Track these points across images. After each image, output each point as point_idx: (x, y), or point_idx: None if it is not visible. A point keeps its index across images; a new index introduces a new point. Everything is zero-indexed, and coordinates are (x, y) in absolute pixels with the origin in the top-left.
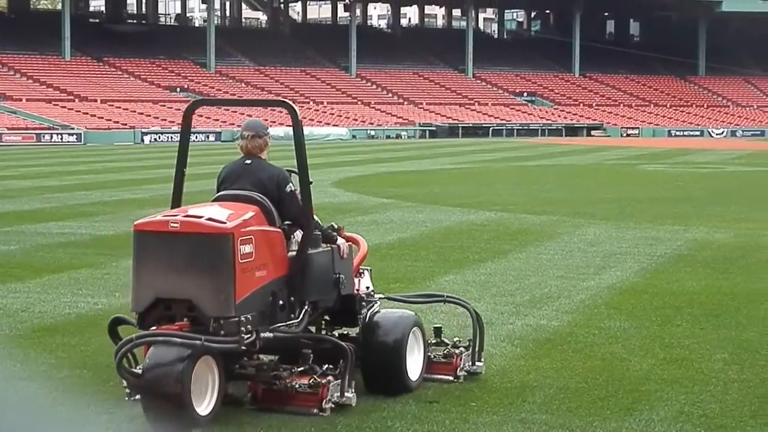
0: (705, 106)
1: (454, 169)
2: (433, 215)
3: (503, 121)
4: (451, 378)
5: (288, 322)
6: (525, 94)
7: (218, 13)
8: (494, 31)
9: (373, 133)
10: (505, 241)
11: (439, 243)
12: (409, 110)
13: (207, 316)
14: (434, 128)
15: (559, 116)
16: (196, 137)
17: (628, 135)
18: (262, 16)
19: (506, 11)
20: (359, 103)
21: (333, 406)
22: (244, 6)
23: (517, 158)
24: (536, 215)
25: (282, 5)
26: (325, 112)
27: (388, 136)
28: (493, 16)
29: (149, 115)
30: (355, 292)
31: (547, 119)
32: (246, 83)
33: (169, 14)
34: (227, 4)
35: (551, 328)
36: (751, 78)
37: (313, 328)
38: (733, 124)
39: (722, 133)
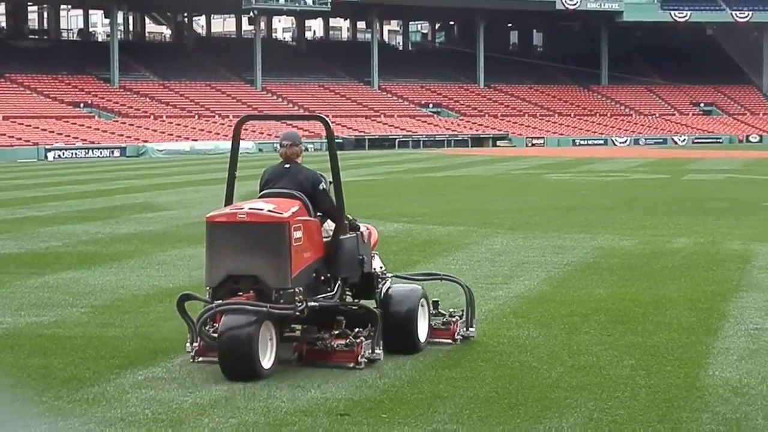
0: (608, 115)
1: (361, 181)
2: None
3: (409, 133)
4: (450, 341)
5: (326, 294)
6: (430, 105)
7: (121, 27)
8: (399, 42)
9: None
10: (414, 252)
11: None
12: (314, 123)
13: (270, 288)
14: (340, 140)
15: (464, 127)
16: (101, 152)
17: (533, 145)
18: (166, 30)
19: (411, 23)
20: None
21: (366, 361)
22: (147, 20)
23: (423, 169)
24: (444, 226)
25: (186, 19)
26: (231, 126)
27: (260, 150)
28: (398, 28)
29: (53, 132)
30: (373, 270)
31: (453, 130)
32: (151, 98)
33: (71, 29)
34: (130, 18)
35: (460, 338)
36: (652, 87)
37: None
38: (635, 132)
39: (625, 141)
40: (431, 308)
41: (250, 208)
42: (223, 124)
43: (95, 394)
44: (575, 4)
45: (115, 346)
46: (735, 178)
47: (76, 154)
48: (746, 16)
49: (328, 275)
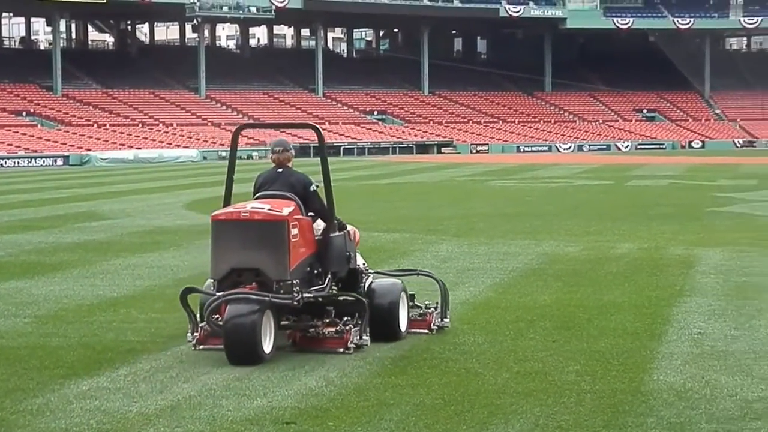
0: (552, 122)
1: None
2: None
3: (354, 140)
4: (426, 331)
5: (318, 287)
6: (375, 112)
7: (64, 35)
8: (343, 50)
9: (223, 154)
10: None
11: None
12: (259, 130)
13: (271, 279)
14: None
15: (409, 134)
16: (44, 161)
17: (477, 151)
18: (109, 38)
19: (355, 30)
20: (209, 124)
21: (354, 347)
22: (90, 28)
23: (369, 176)
24: (389, 233)
25: (129, 27)
26: (175, 134)
27: (239, 157)
28: (342, 36)
29: None
30: (357, 266)
31: (398, 137)
32: (94, 106)
33: (12, 37)
34: (73, 26)
35: (407, 345)
36: (596, 93)
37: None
38: (579, 138)
39: (569, 147)
40: (409, 301)
41: (252, 207)
42: (167, 132)
43: (39, 405)
44: (519, 12)
45: (59, 356)
46: (678, 184)
47: (18, 163)
48: (688, 23)
49: (320, 270)
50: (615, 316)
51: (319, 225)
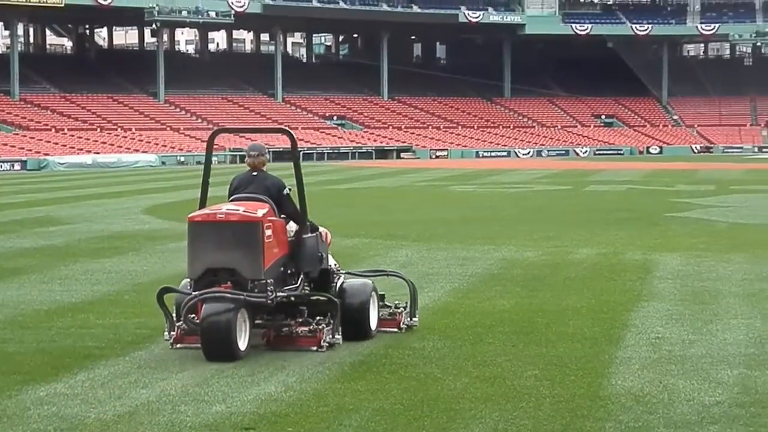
0: (511, 127)
1: None
2: None
3: (314, 145)
4: (395, 330)
5: (291, 287)
6: (335, 117)
7: (21, 39)
8: (303, 55)
9: (182, 159)
10: None
11: None
12: (218, 135)
13: (245, 279)
14: (244, 153)
15: (369, 139)
16: (1, 166)
17: (437, 157)
18: (67, 43)
19: (314, 35)
20: (168, 129)
21: (326, 345)
22: (48, 32)
23: (328, 182)
24: (349, 238)
25: (87, 31)
26: (134, 139)
27: (198, 162)
28: (302, 41)
29: None
30: (329, 266)
31: (357, 142)
32: (52, 110)
33: None
34: (31, 30)
35: (366, 350)
36: (555, 99)
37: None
38: (538, 144)
39: (528, 153)
40: (379, 301)
41: (228, 209)
42: (125, 136)
43: None
44: (478, 17)
45: (17, 361)
46: (636, 189)
47: None
48: (646, 29)
49: (293, 270)
50: (573, 321)
51: (292, 226)
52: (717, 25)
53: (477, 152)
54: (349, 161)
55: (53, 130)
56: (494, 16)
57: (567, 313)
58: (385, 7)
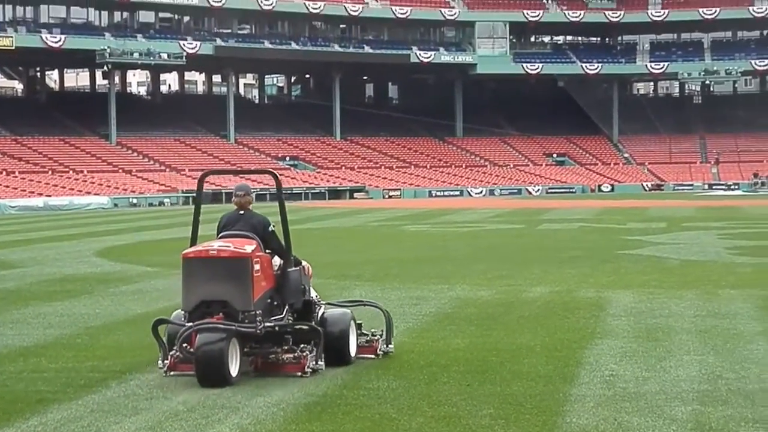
0: (464, 166)
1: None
2: None
3: (266, 186)
4: (372, 357)
5: (277, 317)
6: (287, 158)
7: None
8: (255, 96)
9: (135, 201)
10: None
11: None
12: (171, 177)
13: (236, 310)
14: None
15: (321, 179)
16: None
17: (390, 196)
18: (18, 85)
19: (266, 76)
20: (120, 171)
21: (310, 371)
22: None
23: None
24: None
25: (38, 73)
26: (86, 181)
27: (151, 204)
28: (254, 82)
29: None
30: (311, 297)
31: (310, 183)
32: (3, 153)
33: None
34: None
35: (320, 391)
36: (506, 138)
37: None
38: (491, 183)
39: (481, 192)
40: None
41: (219, 246)
42: (77, 179)
43: None
44: (429, 57)
45: None
46: (588, 227)
47: None
48: (596, 69)
49: (278, 301)
50: (528, 360)
51: (277, 261)
52: (666, 64)
53: (430, 191)
54: (303, 202)
55: (4, 173)
56: (446, 56)
57: (521, 352)
58: (336, 48)
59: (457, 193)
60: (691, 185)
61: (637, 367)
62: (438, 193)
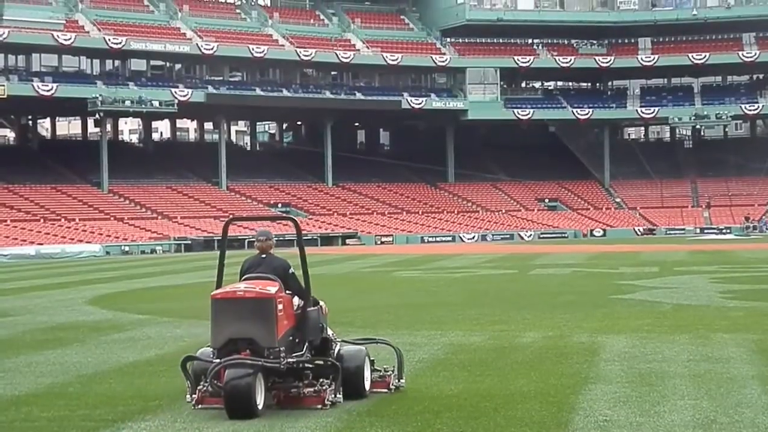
0: (455, 212)
1: (211, 282)
2: (192, 329)
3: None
4: (385, 391)
5: (298, 353)
6: (279, 205)
7: None
8: (247, 143)
9: (127, 248)
10: None
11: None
12: (163, 224)
13: (261, 347)
14: (189, 242)
15: (313, 226)
16: None
17: (382, 242)
18: (10, 134)
19: (258, 123)
20: (112, 218)
21: (330, 404)
22: None
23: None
24: None
25: (30, 122)
26: (77, 229)
27: (143, 251)
28: (245, 129)
29: None
30: (328, 335)
31: (302, 229)
32: None
33: None
34: None
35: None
36: (498, 183)
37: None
38: (483, 228)
39: (473, 237)
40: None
41: (245, 288)
42: (69, 227)
43: None
44: (421, 104)
45: None
46: (581, 272)
47: None
48: (587, 114)
49: (299, 339)
50: (521, 405)
51: (296, 300)
52: (657, 109)
53: (422, 237)
54: (295, 248)
55: None
56: (437, 102)
57: (515, 397)
58: (328, 95)
59: (450, 238)
60: (683, 229)
61: (631, 413)
62: (430, 239)
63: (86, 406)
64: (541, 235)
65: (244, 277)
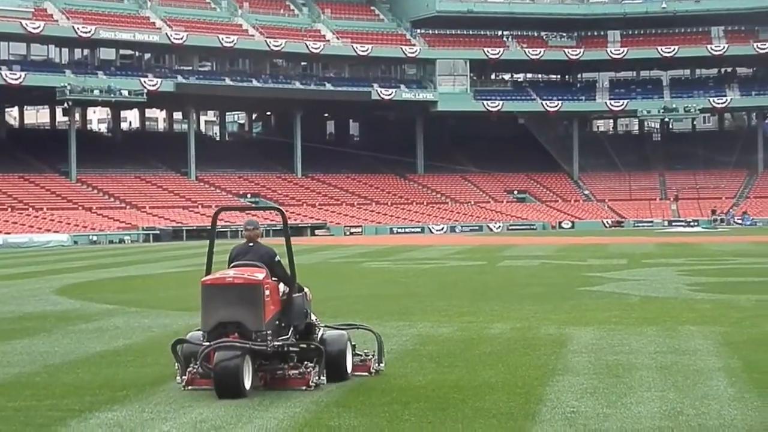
0: (425, 203)
1: (179, 273)
2: (160, 320)
3: (228, 223)
4: (366, 374)
5: (284, 337)
6: (248, 195)
7: None
8: (216, 133)
9: (95, 238)
10: None
11: (166, 348)
12: (131, 214)
13: (249, 331)
14: (158, 232)
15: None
16: None
17: (351, 233)
18: None
19: (227, 113)
20: (80, 208)
21: (314, 385)
22: None
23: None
24: None
25: None
26: (45, 219)
27: (111, 241)
28: (215, 119)
29: None
30: (312, 320)
31: (272, 220)
32: None
33: None
34: None
35: (281, 430)
36: (467, 175)
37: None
38: (452, 220)
39: (442, 229)
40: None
41: (233, 274)
42: (36, 216)
43: None
44: (391, 95)
45: None
46: (549, 264)
47: None
48: (556, 106)
49: (284, 323)
50: (489, 397)
51: (282, 287)
52: (625, 101)
53: (391, 228)
54: (264, 239)
55: None
56: (407, 94)
57: (483, 389)
58: (298, 85)
59: (419, 229)
60: (651, 222)
61: (598, 404)
62: (399, 230)
63: (53, 396)
64: (510, 227)
65: (232, 264)
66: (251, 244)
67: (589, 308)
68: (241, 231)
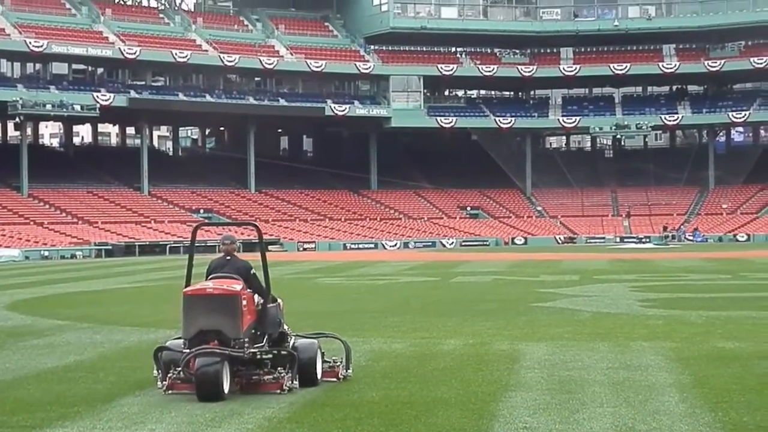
0: (378, 219)
1: (131, 288)
2: (111, 336)
3: (181, 239)
4: (335, 380)
5: (259, 345)
6: (201, 210)
7: None
8: (169, 148)
9: (46, 253)
10: None
11: (118, 364)
12: (83, 229)
13: (228, 338)
14: (110, 247)
15: (236, 232)
16: None
17: (305, 249)
18: None
19: (181, 129)
20: (31, 223)
21: (287, 389)
22: None
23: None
24: None
25: None
26: None
27: (63, 257)
28: (168, 134)
29: None
30: (284, 329)
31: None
32: None
33: None
34: None
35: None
36: (420, 191)
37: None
38: (405, 236)
39: (395, 245)
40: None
41: (213, 286)
42: None
43: None
44: (344, 111)
45: None
46: (502, 280)
47: None
48: (509, 122)
49: (260, 332)
50: (442, 413)
51: (257, 298)
52: (578, 118)
53: (344, 244)
54: (217, 254)
55: None
56: (360, 110)
57: (436, 405)
58: (251, 101)
59: (372, 245)
60: (603, 238)
61: (550, 420)
62: (353, 246)
63: (4, 413)
64: (463, 243)
65: (210, 277)
66: (228, 257)
67: (541, 324)
68: (218, 245)
